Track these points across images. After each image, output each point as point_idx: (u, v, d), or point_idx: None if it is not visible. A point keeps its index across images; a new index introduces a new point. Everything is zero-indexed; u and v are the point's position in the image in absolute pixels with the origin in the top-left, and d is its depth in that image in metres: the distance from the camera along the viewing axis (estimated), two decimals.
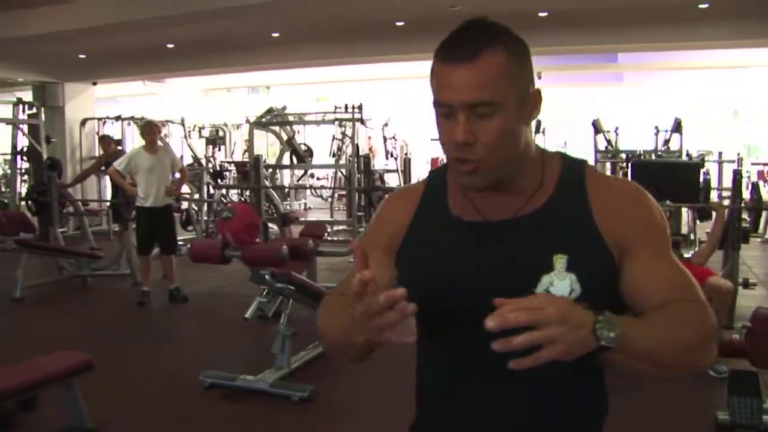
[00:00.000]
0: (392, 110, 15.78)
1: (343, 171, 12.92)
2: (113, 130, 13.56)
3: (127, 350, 5.54)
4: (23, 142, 10.66)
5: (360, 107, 12.29)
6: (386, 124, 14.63)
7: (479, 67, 1.16)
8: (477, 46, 1.17)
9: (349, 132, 11.66)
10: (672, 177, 7.48)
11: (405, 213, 1.36)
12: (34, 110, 10.66)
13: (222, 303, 7.18)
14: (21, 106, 10.66)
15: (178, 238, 8.35)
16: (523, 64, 1.23)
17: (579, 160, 1.35)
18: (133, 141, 13.56)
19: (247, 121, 13.31)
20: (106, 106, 16.17)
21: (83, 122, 14.04)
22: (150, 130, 7.17)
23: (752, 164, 15.04)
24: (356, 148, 10.78)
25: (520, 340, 1.01)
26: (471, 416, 1.32)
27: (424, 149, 15.93)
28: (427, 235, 1.18)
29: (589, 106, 14.97)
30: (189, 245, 6.83)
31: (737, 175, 6.53)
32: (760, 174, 14.68)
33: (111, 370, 4.61)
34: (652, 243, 1.26)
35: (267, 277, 4.73)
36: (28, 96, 13.50)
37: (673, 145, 11.01)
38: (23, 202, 10.27)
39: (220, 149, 15.46)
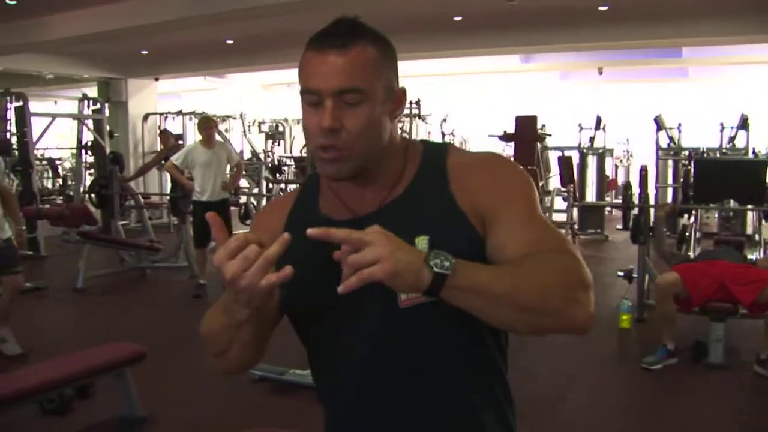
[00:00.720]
0: (451, 106, 15.71)
1: None
2: (175, 125, 13.82)
3: (181, 341, 5.61)
4: (88, 136, 10.92)
5: (418, 103, 12.20)
6: (445, 120, 14.57)
7: (349, 55, 1.19)
8: (348, 38, 1.20)
9: (407, 128, 11.63)
10: (736, 176, 7.27)
11: (278, 219, 1.36)
12: (99, 106, 10.92)
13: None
14: (86, 102, 10.92)
15: (237, 231, 8.45)
16: (389, 61, 1.26)
17: (442, 144, 1.38)
18: (194, 135, 13.76)
19: None
20: (168, 101, 16.49)
21: (145, 117, 14.34)
22: (207, 125, 7.26)
23: None
24: None
25: (345, 270, 1.03)
26: (365, 417, 1.33)
27: (482, 145, 15.84)
28: (297, 237, 1.10)
29: (651, 102, 14.63)
30: None
31: None
32: None
33: (164, 360, 4.69)
34: (512, 204, 1.24)
35: None
36: (92, 92, 13.85)
37: (739, 143, 10.71)
38: (86, 195, 10.52)
39: (279, 144, 15.59)
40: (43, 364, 3.94)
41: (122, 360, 3.89)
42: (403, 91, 1.30)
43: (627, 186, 7.38)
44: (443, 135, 14.48)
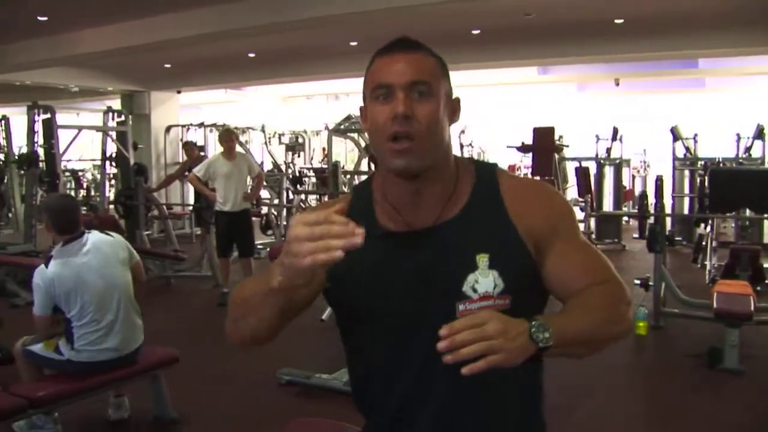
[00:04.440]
0: (469, 117, 15.80)
1: None
2: (196, 137, 14.02)
3: (207, 348, 5.74)
4: (112, 148, 11.12)
5: None
6: (463, 132, 14.67)
7: (418, 56, 1.33)
8: (415, 47, 1.35)
9: None
10: (752, 185, 7.35)
11: None
12: (123, 118, 11.12)
13: None
14: (111, 114, 11.12)
15: (259, 242, 8.60)
16: (446, 73, 1.39)
17: (490, 164, 1.47)
18: (215, 147, 13.97)
19: (326, 127, 13.55)
20: (189, 113, 16.71)
21: (168, 129, 14.55)
22: (228, 137, 7.43)
23: None
24: None
25: (467, 352, 1.10)
26: (413, 423, 1.39)
27: (500, 156, 15.94)
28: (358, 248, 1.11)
29: (668, 113, 14.69)
30: (269, 249, 6.98)
31: None
32: None
33: (192, 366, 4.82)
34: (560, 234, 1.38)
35: None
36: (116, 104, 14.11)
37: (755, 153, 10.76)
38: (111, 206, 10.71)
39: (299, 155, 15.76)
40: None
41: (156, 363, 4.05)
42: (458, 101, 1.41)
43: (643, 196, 7.49)
44: (462, 146, 14.58)
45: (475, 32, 9.99)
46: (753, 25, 9.07)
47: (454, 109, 1.40)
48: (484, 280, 1.30)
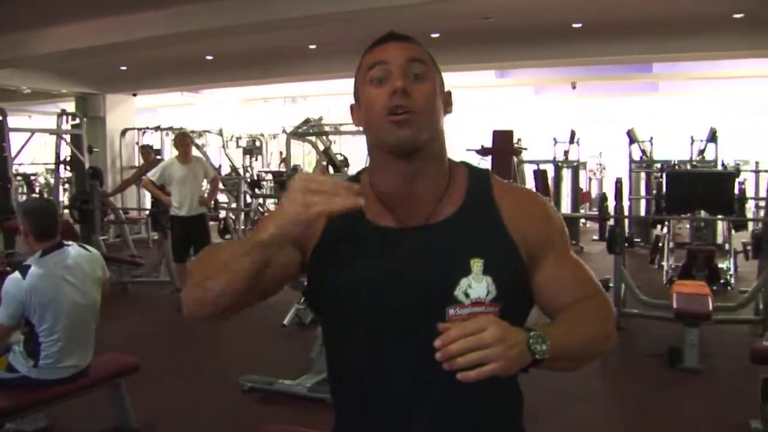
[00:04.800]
0: None
1: None
2: (152, 140, 13.83)
3: (168, 355, 5.68)
4: (66, 151, 10.90)
5: None
6: None
7: (410, 43, 1.36)
8: (407, 39, 1.37)
9: None
10: (707, 187, 7.46)
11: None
12: (77, 121, 10.90)
13: (260, 310, 7.12)
14: (65, 117, 10.90)
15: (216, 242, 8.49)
16: (438, 68, 1.40)
17: (484, 170, 1.46)
18: (172, 150, 13.81)
19: (284, 131, 13.47)
20: (144, 116, 16.49)
21: (123, 132, 14.35)
22: (183, 141, 7.34)
23: None
24: None
25: (463, 361, 1.10)
26: (409, 423, 1.34)
27: (460, 158, 16.05)
28: (343, 239, 1.15)
29: (623, 116, 14.90)
30: None
31: None
32: None
33: (153, 373, 4.73)
34: (554, 246, 1.38)
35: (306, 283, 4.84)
36: (70, 107, 13.84)
37: (709, 155, 10.96)
38: (66, 210, 10.49)
39: (257, 159, 15.65)
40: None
41: (116, 372, 3.96)
42: (450, 94, 1.42)
43: (603, 198, 7.57)
44: None
45: (434, 35, 9.99)
46: (705, 30, 9.25)
47: (447, 101, 1.41)
48: (477, 285, 1.27)
